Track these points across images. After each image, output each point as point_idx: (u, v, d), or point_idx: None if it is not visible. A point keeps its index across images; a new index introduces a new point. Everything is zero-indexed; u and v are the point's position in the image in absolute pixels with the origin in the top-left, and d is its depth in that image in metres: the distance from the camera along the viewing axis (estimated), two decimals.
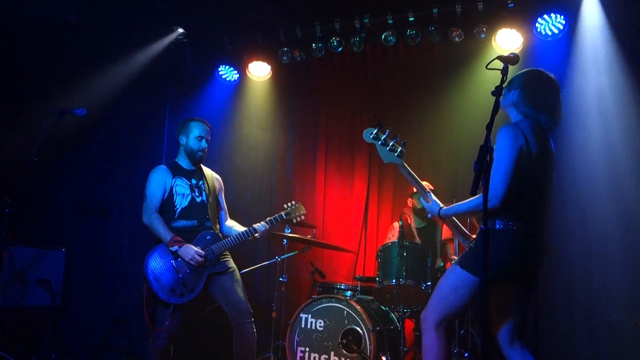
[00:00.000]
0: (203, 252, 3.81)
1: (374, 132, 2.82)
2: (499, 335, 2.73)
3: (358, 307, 4.19)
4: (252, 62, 5.72)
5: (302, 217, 4.20)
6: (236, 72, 5.82)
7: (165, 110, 5.78)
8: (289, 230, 4.68)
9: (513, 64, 2.45)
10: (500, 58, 2.45)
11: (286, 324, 4.44)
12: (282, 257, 4.68)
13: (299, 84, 6.07)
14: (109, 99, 5.39)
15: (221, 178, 4.28)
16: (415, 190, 5.25)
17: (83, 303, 5.43)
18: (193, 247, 3.80)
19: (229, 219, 4.25)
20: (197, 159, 4.04)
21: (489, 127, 2.22)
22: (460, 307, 2.65)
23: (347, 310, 4.23)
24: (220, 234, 4.00)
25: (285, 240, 4.69)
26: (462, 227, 2.94)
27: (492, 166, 2.63)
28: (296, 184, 5.95)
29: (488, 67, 2.45)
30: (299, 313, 4.37)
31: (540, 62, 4.76)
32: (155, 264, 3.80)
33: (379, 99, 6.02)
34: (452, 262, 2.73)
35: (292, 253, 4.77)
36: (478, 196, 2.59)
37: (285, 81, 5.98)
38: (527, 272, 2.69)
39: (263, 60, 5.70)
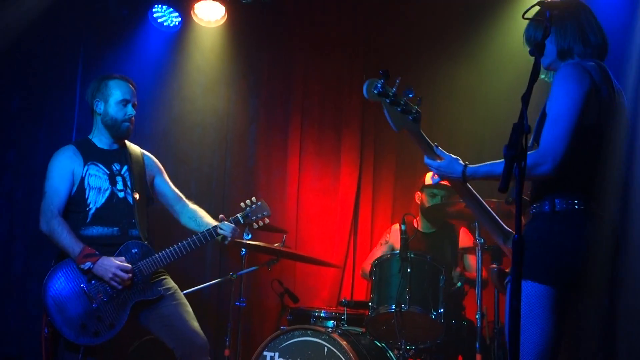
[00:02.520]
0: (129, 266, 3.76)
1: (380, 86, 2.63)
2: None
3: (343, 343, 4.21)
4: (199, 0, 5.69)
5: (266, 221, 4.18)
6: (177, 14, 5.77)
7: (78, 66, 5.71)
8: (249, 237, 4.68)
9: (557, 22, 2.49)
10: (542, 4, 2.47)
11: None
12: (239, 272, 4.69)
13: (265, 33, 6.06)
14: None
15: (162, 166, 4.26)
16: (427, 184, 5.32)
17: None
18: (114, 259, 3.74)
19: (189, 204, 4.19)
20: (122, 132, 4.01)
21: (526, 99, 2.23)
22: (551, 333, 2.56)
23: (328, 347, 4.25)
24: (148, 245, 3.91)
25: (243, 249, 4.70)
26: (499, 219, 2.87)
27: (545, 119, 2.65)
28: (260, 171, 5.96)
29: (525, 15, 2.47)
30: (263, 350, 4.38)
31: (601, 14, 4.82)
32: (59, 288, 3.71)
33: (376, 54, 6.04)
34: (508, 279, 2.67)
35: (253, 268, 4.78)
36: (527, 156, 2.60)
37: (246, 28, 5.96)
38: (602, 274, 2.66)
39: None
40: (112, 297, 3.74)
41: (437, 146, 2.79)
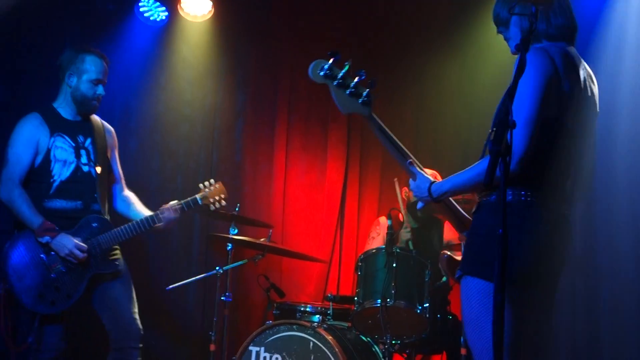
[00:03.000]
0: (85, 245, 3.82)
1: (327, 67, 2.56)
2: None
3: (329, 338, 4.21)
4: None
5: (223, 202, 4.28)
6: (164, 8, 5.75)
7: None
8: (236, 231, 4.69)
9: (547, 5, 2.47)
10: None
11: None
12: (225, 267, 4.68)
13: (252, 27, 6.04)
14: None
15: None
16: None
17: None
18: (71, 237, 3.81)
19: (125, 189, 4.29)
20: (88, 109, 4.07)
21: (511, 93, 2.24)
22: (513, 334, 2.43)
23: (313, 342, 4.25)
24: (108, 220, 4.01)
25: (229, 244, 4.69)
26: (464, 213, 2.79)
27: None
28: (246, 166, 5.95)
29: (512, 12, 2.46)
30: (248, 345, 4.37)
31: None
32: (19, 256, 3.79)
33: (365, 49, 6.03)
34: (458, 274, 2.58)
35: (240, 262, 4.78)
36: (482, 160, 2.52)
37: (233, 22, 5.95)
38: (553, 269, 2.60)
39: None
40: (70, 268, 3.83)
41: (410, 163, 2.71)
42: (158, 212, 4.04)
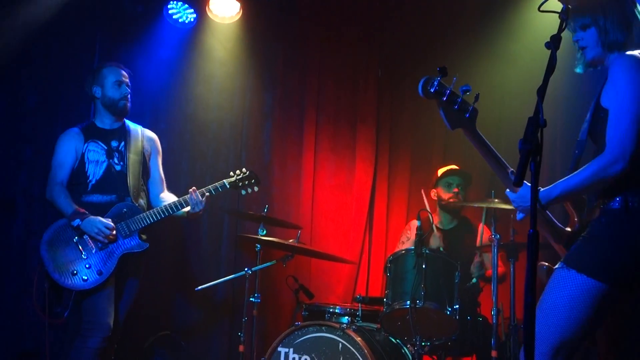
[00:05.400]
0: (112, 224, 4.18)
1: (437, 83, 2.54)
2: None
3: (358, 339, 4.21)
4: None
5: (255, 189, 4.57)
6: (192, 10, 5.78)
7: (93, 63, 5.72)
8: (264, 232, 4.70)
9: (599, 13, 2.46)
10: None
11: None
12: (253, 268, 4.69)
13: (281, 29, 6.06)
14: (12, 49, 5.33)
15: (170, 158, 4.39)
16: (441, 174, 5.30)
17: None
18: (100, 218, 4.18)
19: (165, 191, 4.63)
20: (120, 109, 4.46)
21: (541, 92, 2.22)
22: (583, 328, 2.58)
23: (342, 343, 4.25)
24: (137, 206, 4.34)
25: (258, 245, 4.70)
26: (556, 221, 2.85)
27: (599, 113, 2.63)
28: (274, 167, 5.96)
29: (541, 8, 2.45)
30: (277, 346, 4.38)
31: None
32: (53, 239, 4.18)
33: (392, 50, 6.02)
34: (560, 266, 2.66)
35: (269, 263, 4.78)
36: (594, 161, 2.56)
37: (261, 24, 5.97)
38: None
39: None
40: (100, 248, 4.18)
41: (512, 173, 2.71)
42: (183, 197, 4.35)
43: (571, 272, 2.59)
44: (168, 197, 4.54)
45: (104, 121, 4.50)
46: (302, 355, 4.33)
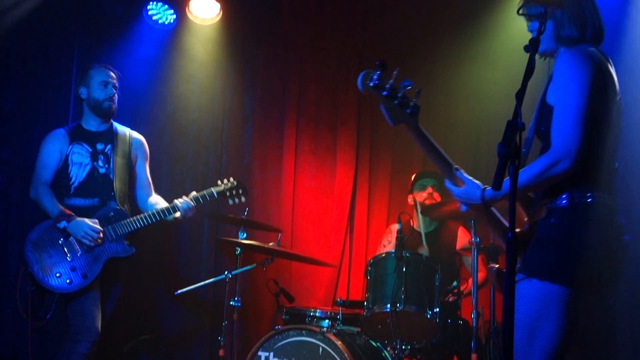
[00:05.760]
0: (99, 227, 4.17)
1: (376, 77, 2.48)
2: None
3: (338, 343, 4.20)
4: None
5: (243, 199, 4.58)
6: (172, 11, 5.76)
7: (72, 65, 5.68)
8: (244, 235, 4.69)
9: (556, 7, 2.45)
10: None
11: None
12: (234, 272, 4.68)
13: (261, 31, 6.05)
14: None
15: (149, 160, 4.49)
16: (414, 178, 5.30)
17: None
18: (86, 220, 4.16)
19: (153, 194, 4.60)
20: (105, 110, 4.46)
21: (520, 95, 2.22)
22: (560, 340, 2.49)
23: (323, 347, 4.24)
24: (124, 211, 4.34)
25: (238, 248, 4.69)
26: (503, 219, 2.78)
27: (544, 109, 2.60)
28: (255, 169, 5.95)
29: (520, 11, 2.45)
30: (257, 350, 4.37)
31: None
32: (38, 241, 4.17)
33: (374, 51, 6.02)
34: (520, 278, 2.58)
35: (249, 267, 4.78)
36: (539, 159, 2.52)
37: (241, 26, 5.95)
38: (611, 271, 2.60)
39: None
40: (86, 250, 4.17)
41: (457, 169, 2.67)
42: (173, 203, 4.34)
43: (532, 281, 2.54)
44: (156, 201, 4.51)
45: (90, 123, 4.50)
46: (283, 359, 4.32)
